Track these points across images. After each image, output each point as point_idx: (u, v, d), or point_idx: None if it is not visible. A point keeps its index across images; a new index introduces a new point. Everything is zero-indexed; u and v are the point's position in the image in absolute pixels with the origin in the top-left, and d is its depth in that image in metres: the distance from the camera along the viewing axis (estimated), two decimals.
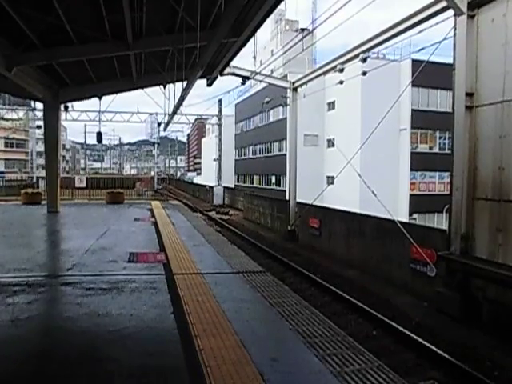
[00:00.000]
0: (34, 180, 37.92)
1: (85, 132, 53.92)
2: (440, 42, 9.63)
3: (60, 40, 9.38)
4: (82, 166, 77.35)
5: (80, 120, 34.53)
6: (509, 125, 7.39)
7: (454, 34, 8.38)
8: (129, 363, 3.28)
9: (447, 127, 11.80)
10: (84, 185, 21.39)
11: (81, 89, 13.93)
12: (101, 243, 8.13)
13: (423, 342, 6.48)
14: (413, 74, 22.27)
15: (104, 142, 57.71)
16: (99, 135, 23.26)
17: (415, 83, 23.30)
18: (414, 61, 24.95)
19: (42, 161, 50.79)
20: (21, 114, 39.27)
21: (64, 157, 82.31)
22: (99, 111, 32.78)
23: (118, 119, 34.90)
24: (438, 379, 5.64)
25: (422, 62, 12.50)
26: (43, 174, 21.53)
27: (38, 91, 12.51)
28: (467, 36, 8.02)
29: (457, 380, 5.62)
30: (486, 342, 6.72)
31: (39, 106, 31.43)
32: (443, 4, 8.53)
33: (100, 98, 15.20)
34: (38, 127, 41.67)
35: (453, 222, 8.32)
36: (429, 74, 18.04)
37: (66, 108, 18.54)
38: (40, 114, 33.11)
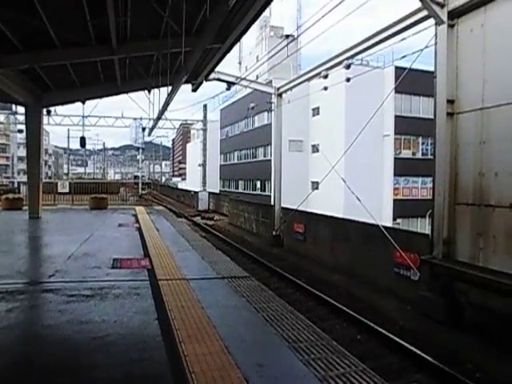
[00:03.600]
0: (16, 185, 37.19)
1: (68, 137, 53.08)
2: (422, 50, 9.83)
3: (43, 43, 9.26)
4: (65, 171, 76.15)
5: (63, 124, 34.07)
6: (488, 131, 7.56)
7: (435, 43, 8.55)
8: (112, 370, 3.24)
9: (429, 133, 12.01)
10: (67, 190, 21.07)
11: (64, 93, 13.76)
12: (84, 249, 8.01)
13: (407, 346, 6.55)
14: (396, 81, 22.66)
15: (88, 146, 56.73)
16: (83, 140, 23.01)
17: (398, 90, 23.74)
18: (396, 68, 25.42)
19: (23, 166, 49.86)
20: (1, 117, 38.53)
21: (46, 162, 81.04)
22: (83, 116, 32.51)
23: (101, 124, 34.52)
24: (422, 382, 5.71)
25: (404, 69, 12.70)
26: (25, 179, 21.17)
27: (20, 95, 12.30)
28: (448, 45, 8.19)
29: (440, 382, 5.69)
30: (468, 345, 6.82)
31: (21, 109, 30.90)
32: (424, 13, 8.71)
33: (84, 103, 15.04)
34: (20, 131, 40.95)
35: (435, 227, 8.45)
36: (411, 81, 18.40)
37: (49, 112, 18.35)
38: (21, 118, 32.49)
